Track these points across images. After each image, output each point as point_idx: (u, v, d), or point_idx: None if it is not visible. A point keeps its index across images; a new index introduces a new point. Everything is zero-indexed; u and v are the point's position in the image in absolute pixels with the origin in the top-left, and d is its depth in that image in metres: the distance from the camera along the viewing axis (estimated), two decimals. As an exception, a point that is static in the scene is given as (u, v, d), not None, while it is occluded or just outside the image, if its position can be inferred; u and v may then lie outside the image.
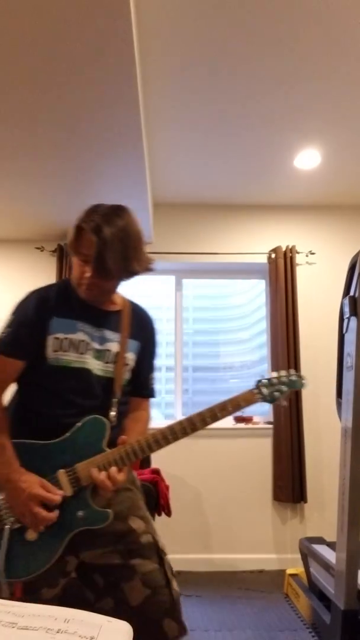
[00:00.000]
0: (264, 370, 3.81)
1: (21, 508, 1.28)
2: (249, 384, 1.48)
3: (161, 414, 3.85)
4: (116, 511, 1.36)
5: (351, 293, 2.21)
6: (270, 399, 1.44)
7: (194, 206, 3.91)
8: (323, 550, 2.61)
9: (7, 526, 1.30)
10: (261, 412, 3.74)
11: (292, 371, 1.50)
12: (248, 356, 4.00)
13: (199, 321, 4.05)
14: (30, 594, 1.30)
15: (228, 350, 4.00)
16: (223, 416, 1.39)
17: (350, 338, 2.18)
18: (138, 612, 1.31)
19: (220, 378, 3.98)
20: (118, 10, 1.73)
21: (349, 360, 2.17)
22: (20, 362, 1.42)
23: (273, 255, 3.78)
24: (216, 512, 3.54)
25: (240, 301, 4.15)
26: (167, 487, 2.97)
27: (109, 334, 1.48)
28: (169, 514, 2.87)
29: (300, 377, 1.49)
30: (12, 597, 1.28)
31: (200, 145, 3.12)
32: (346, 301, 2.22)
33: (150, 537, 1.40)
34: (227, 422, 3.63)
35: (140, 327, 1.57)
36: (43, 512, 1.27)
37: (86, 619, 0.61)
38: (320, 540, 2.83)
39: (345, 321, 2.23)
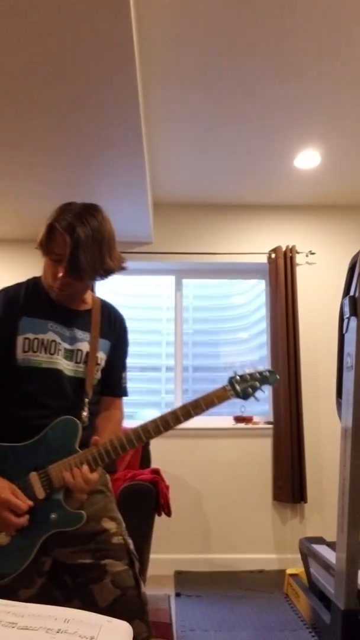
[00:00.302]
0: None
1: None
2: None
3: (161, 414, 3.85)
4: (89, 513, 1.34)
5: (351, 293, 2.21)
6: (243, 395, 1.44)
7: (194, 206, 3.91)
8: (323, 550, 2.61)
9: None
10: (261, 412, 3.74)
11: (265, 367, 1.50)
12: (248, 356, 4.00)
13: (199, 321, 4.04)
14: (6, 595, 1.28)
15: (228, 350, 4.00)
16: (197, 414, 1.38)
17: (350, 338, 2.18)
18: (107, 614, 1.30)
19: (220, 378, 3.98)
20: (118, 10, 1.73)
21: (349, 360, 2.17)
22: None
23: (273, 255, 3.78)
24: (216, 512, 3.54)
25: (240, 301, 4.15)
26: (167, 487, 2.96)
27: (79, 333, 1.46)
28: (169, 514, 2.87)
29: (272, 372, 1.48)
30: None
31: (201, 145, 3.12)
32: (346, 301, 2.22)
33: (122, 538, 1.40)
34: (227, 422, 3.63)
35: (111, 326, 1.55)
36: (12, 518, 1.25)
37: (86, 619, 0.62)
38: (320, 540, 2.83)
39: (345, 321, 2.23)
